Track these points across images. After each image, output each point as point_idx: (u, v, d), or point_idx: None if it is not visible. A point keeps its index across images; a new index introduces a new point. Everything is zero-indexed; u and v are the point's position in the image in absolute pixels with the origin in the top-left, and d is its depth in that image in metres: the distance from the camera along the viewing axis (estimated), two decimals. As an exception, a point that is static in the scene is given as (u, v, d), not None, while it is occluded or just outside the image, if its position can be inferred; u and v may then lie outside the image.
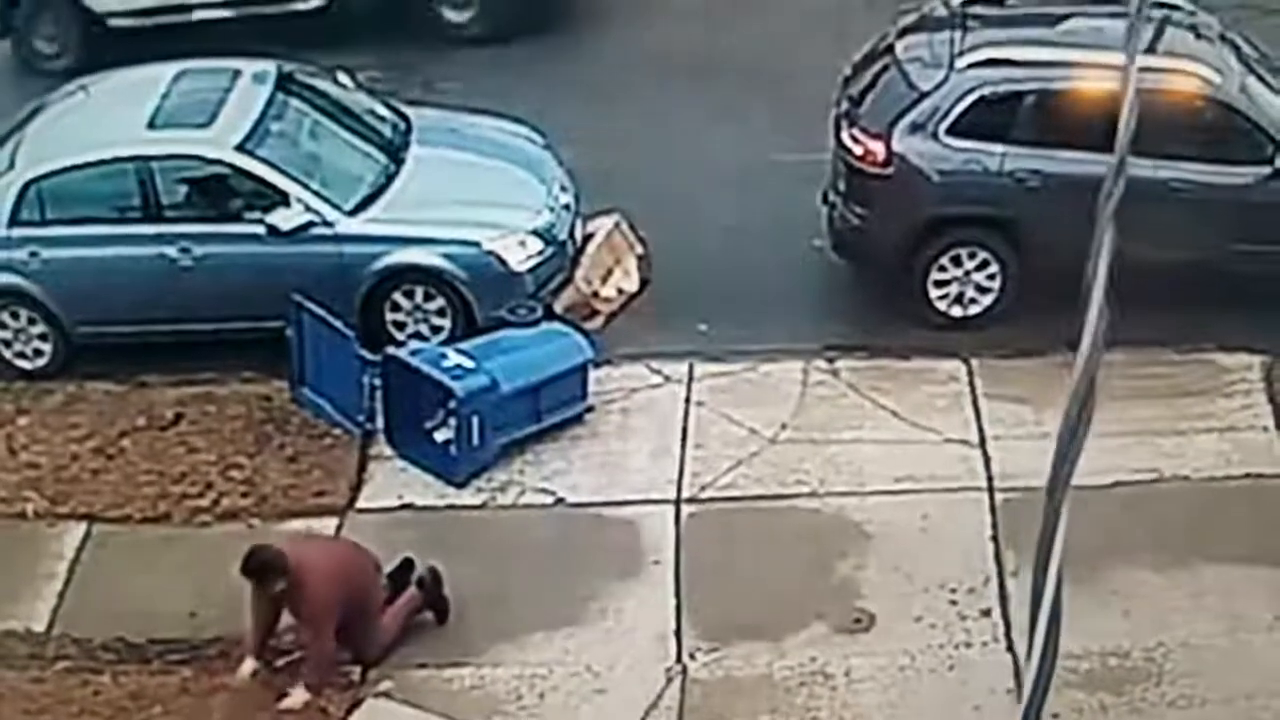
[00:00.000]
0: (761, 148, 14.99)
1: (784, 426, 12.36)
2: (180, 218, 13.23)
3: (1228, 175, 12.97)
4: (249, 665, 10.45)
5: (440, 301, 13.25)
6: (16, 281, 13.25)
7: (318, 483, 12.06)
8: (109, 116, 13.72)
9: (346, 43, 16.63)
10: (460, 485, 12.01)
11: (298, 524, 11.62)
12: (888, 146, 13.07)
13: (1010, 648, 10.45)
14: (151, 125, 13.34)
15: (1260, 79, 13.35)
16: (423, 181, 13.59)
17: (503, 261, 13.20)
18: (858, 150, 13.20)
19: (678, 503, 11.78)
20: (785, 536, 11.48)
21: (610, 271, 13.97)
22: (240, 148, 13.13)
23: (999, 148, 12.98)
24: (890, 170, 13.11)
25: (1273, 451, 11.91)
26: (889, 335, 13.28)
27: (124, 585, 11.41)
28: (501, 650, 10.74)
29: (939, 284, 13.35)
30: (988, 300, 13.39)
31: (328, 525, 11.69)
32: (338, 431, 12.48)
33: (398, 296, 13.26)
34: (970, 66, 13.07)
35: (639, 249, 14.25)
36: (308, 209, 13.05)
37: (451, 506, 11.91)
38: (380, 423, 12.45)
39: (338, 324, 12.45)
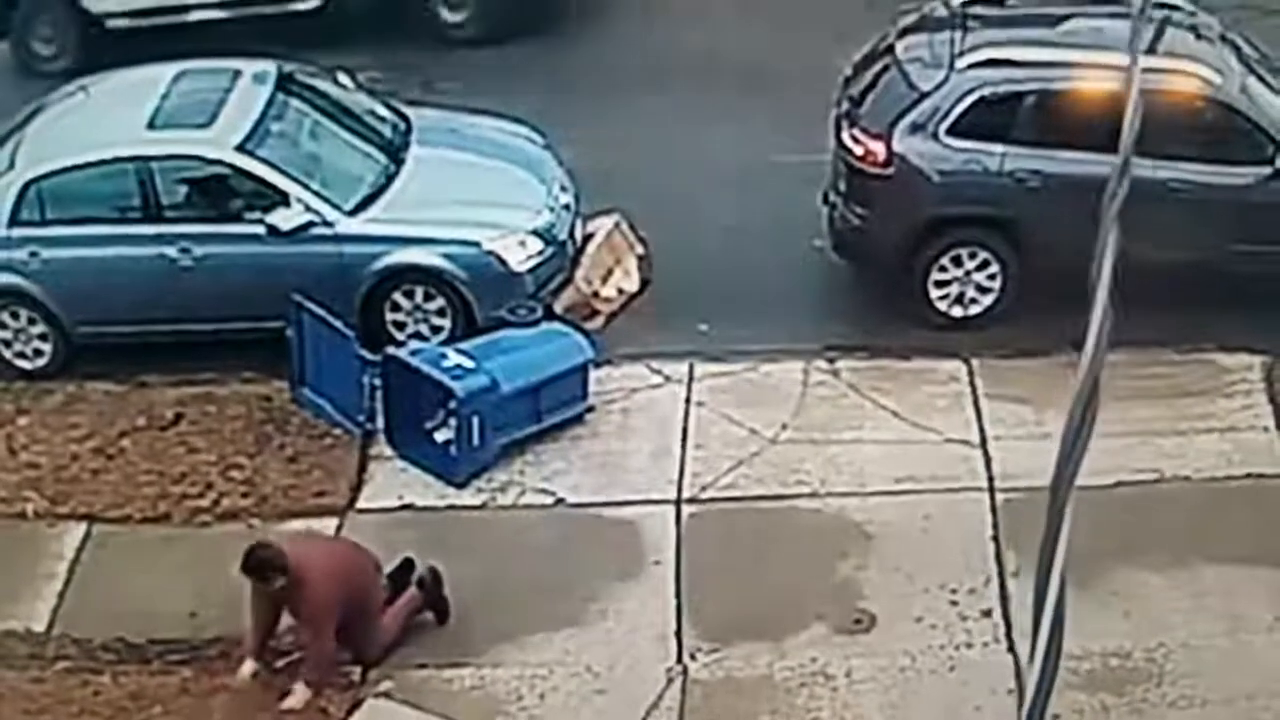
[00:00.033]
0: (762, 148, 14.98)
1: (784, 427, 12.36)
2: (180, 218, 13.23)
3: (1228, 176, 12.98)
4: (249, 666, 10.44)
5: (440, 301, 13.25)
6: (16, 281, 13.25)
7: (318, 483, 12.06)
8: (109, 117, 13.71)
9: (345, 43, 16.63)
10: (460, 485, 12.01)
11: (298, 524, 11.61)
12: (888, 147, 13.07)
13: (1011, 648, 10.45)
14: (151, 125, 13.34)
15: (1260, 79, 13.35)
16: (423, 181, 13.59)
17: (503, 261, 13.20)
18: (858, 150, 13.20)
19: (678, 503, 11.78)
20: (786, 537, 11.47)
21: (610, 271, 13.97)
22: (240, 148, 13.13)
23: (999, 148, 12.98)
24: (891, 170, 13.11)
25: (1273, 452, 11.90)
26: (890, 335, 13.28)
27: (124, 585, 11.40)
28: (502, 651, 10.73)
29: (939, 284, 13.35)
30: (988, 300, 13.39)
31: (328, 525, 11.68)
32: (338, 432, 12.48)
33: (398, 296, 13.26)
34: (970, 67, 13.07)
35: (639, 249, 14.25)
36: (308, 209, 13.05)
37: (452, 507, 11.91)
38: (380, 423, 12.45)
39: (338, 324, 12.45)
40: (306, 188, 13.13)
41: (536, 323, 12.94)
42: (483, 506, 11.90)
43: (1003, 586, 10.90)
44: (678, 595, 11.06)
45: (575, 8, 18.02)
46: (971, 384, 12.68)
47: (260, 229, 13.04)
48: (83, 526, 11.84)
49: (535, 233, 13.38)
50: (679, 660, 10.63)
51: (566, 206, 13.77)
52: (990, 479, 11.79)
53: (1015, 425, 12.19)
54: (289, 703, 10.25)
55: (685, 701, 10.35)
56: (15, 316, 13.39)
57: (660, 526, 11.60)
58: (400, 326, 13.31)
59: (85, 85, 14.25)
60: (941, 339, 13.21)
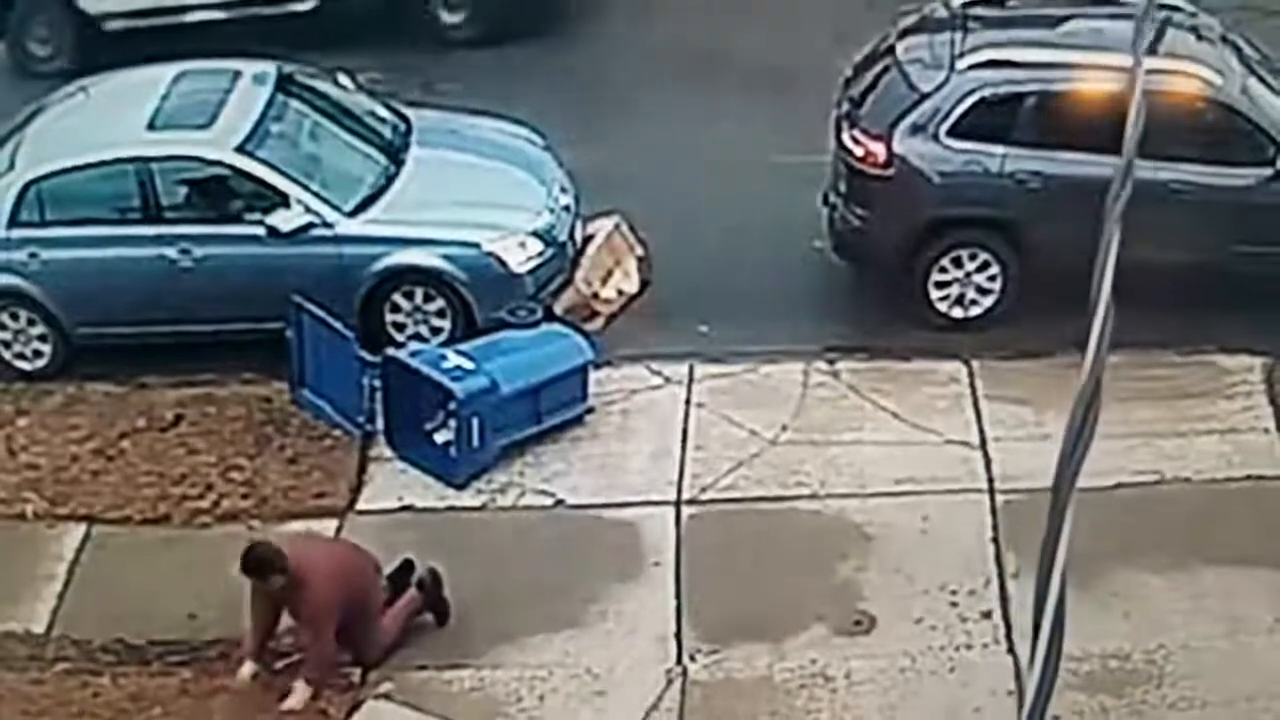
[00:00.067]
0: (762, 149, 14.98)
1: (784, 428, 12.35)
2: (180, 219, 13.23)
3: (1229, 177, 12.97)
4: (249, 668, 10.44)
5: (440, 303, 13.25)
6: (16, 282, 13.25)
7: (318, 484, 12.05)
8: (109, 118, 13.71)
9: (344, 44, 16.61)
10: (460, 487, 12.00)
11: (298, 525, 11.61)
12: (888, 148, 13.06)
13: (1011, 650, 10.45)
14: (151, 126, 13.33)
15: (1261, 80, 13.34)
16: (423, 183, 13.58)
17: (503, 263, 13.20)
18: (858, 151, 13.20)
19: (678, 504, 11.77)
20: (786, 538, 11.47)
21: (610, 273, 13.96)
22: (240, 149, 13.13)
23: (1000, 149, 12.98)
24: (891, 171, 13.10)
25: (1274, 453, 11.90)
26: (890, 336, 13.28)
27: (124, 587, 11.40)
28: (502, 652, 10.73)
29: (940, 285, 13.35)
30: (988, 302, 13.38)
31: (328, 527, 11.67)
32: (338, 433, 12.47)
33: (397, 298, 13.26)
34: (971, 68, 13.07)
35: (639, 250, 14.24)
36: (308, 210, 13.05)
37: (452, 508, 11.91)
38: (380, 424, 12.44)
39: (338, 325, 12.45)
40: (306, 189, 13.13)
41: (536, 324, 12.94)
42: (483, 508, 11.90)
43: (1003, 588, 10.90)
44: (677, 596, 11.06)
45: (575, 8, 18.02)
46: (972, 385, 12.67)
47: (260, 230, 13.04)
48: (82, 528, 11.83)
49: (535, 234, 13.38)
50: (679, 661, 10.63)
51: (566, 208, 13.77)
52: (990, 480, 11.78)
53: (1015, 427, 12.18)
54: (290, 702, 10.25)
55: (685, 702, 10.34)
56: (15, 317, 13.38)
57: (660, 528, 11.60)
58: (400, 328, 13.31)
59: (85, 86, 14.24)
60: (942, 340, 13.20)
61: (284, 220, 12.98)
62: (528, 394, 12.19)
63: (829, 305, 13.92)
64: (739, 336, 13.26)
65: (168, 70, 13.91)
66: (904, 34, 13.79)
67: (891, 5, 14.93)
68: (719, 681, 10.47)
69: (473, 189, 13.77)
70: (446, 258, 13.11)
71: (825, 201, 13.77)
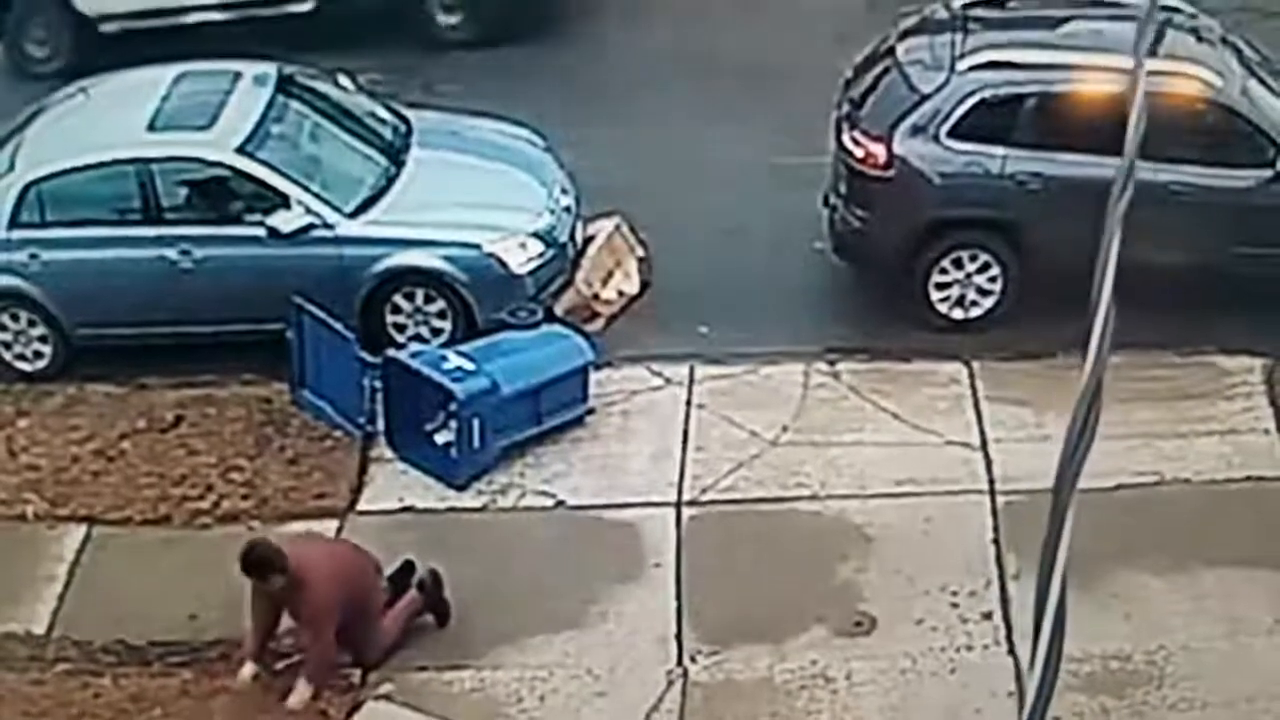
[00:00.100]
0: (762, 150, 14.98)
1: (785, 429, 12.35)
2: (181, 220, 13.24)
3: (1229, 178, 12.98)
4: (249, 669, 10.44)
5: (441, 304, 13.25)
6: (16, 284, 13.25)
7: (318, 485, 12.06)
8: (109, 119, 13.71)
9: (343, 45, 16.60)
10: (461, 488, 12.01)
11: (298, 526, 11.60)
12: (889, 149, 13.07)
13: (1012, 651, 10.45)
14: (152, 127, 13.34)
15: (1261, 82, 13.35)
16: (423, 184, 13.59)
17: (503, 264, 13.20)
18: (859, 153, 13.20)
19: (678, 505, 11.77)
20: (786, 539, 11.47)
21: (611, 274, 13.97)
22: (241, 150, 13.13)
23: (1000, 150, 12.98)
24: (891, 173, 13.11)
25: (1274, 454, 11.90)
26: (890, 338, 13.28)
27: (124, 587, 11.40)
28: (502, 653, 10.73)
29: (940, 286, 13.35)
30: (989, 303, 13.39)
31: (328, 527, 11.68)
32: (338, 434, 12.47)
33: (398, 299, 13.26)
34: (971, 69, 13.07)
35: (639, 251, 14.25)
36: (308, 211, 13.05)
37: (452, 509, 11.91)
38: (381, 425, 12.44)
39: (338, 326, 12.45)
40: (307, 190, 13.13)
41: (537, 325, 12.94)
42: (483, 509, 11.90)
43: (1003, 589, 10.90)
44: (678, 597, 11.06)
45: (575, 10, 18.02)
46: (972, 386, 12.68)
47: (260, 231, 13.04)
48: (83, 528, 11.83)
49: (536, 235, 13.38)
50: (679, 662, 10.63)
51: (567, 209, 13.77)
52: (991, 481, 11.79)
53: (1016, 428, 12.19)
54: (291, 700, 10.25)
55: (685, 704, 10.35)
56: (15, 318, 13.39)
57: (660, 529, 11.60)
58: (400, 329, 13.31)
59: (85, 87, 14.24)
60: (942, 341, 13.21)
61: (284, 221, 12.98)
62: (528, 395, 12.19)
63: (829, 306, 13.93)
64: (739, 338, 13.27)
65: (168, 71, 13.92)
66: (904, 35, 13.80)
67: (892, 6, 14.94)
68: (719, 683, 10.48)
69: (473, 190, 13.77)
70: (447, 259, 13.11)
71: (825, 203, 13.78)
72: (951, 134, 13.02)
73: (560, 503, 11.89)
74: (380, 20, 17.26)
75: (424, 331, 13.29)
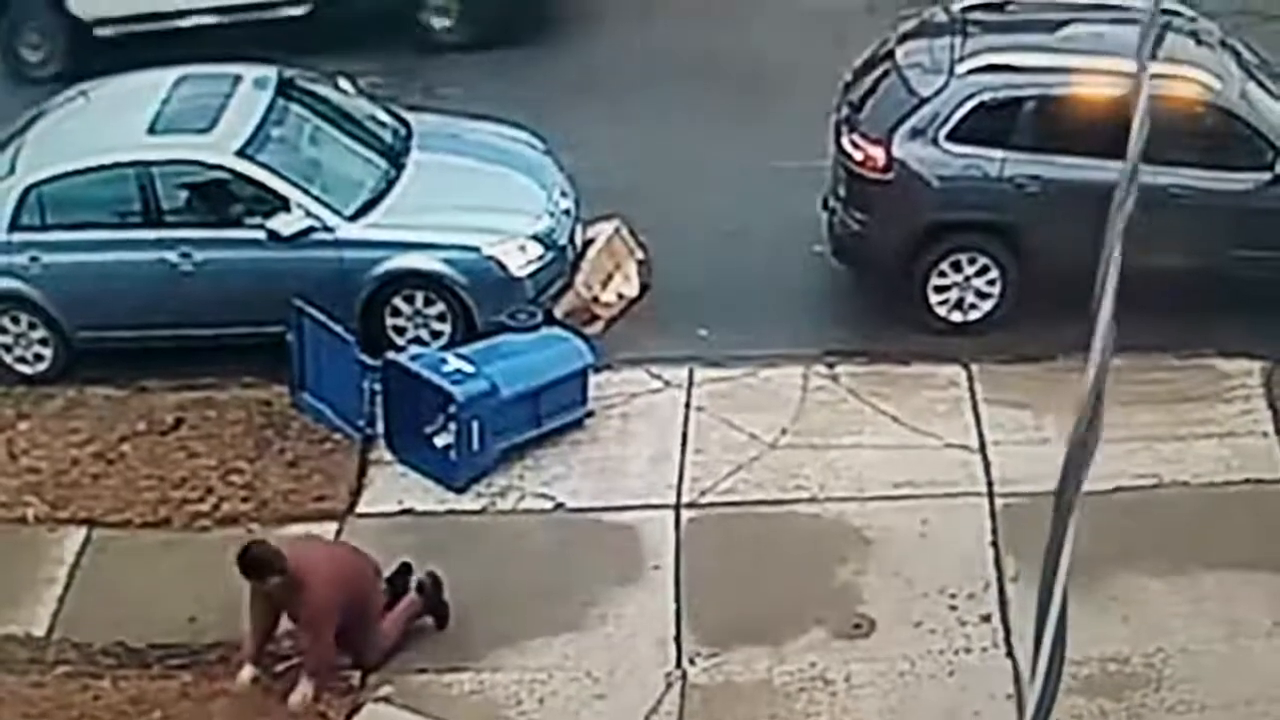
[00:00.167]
0: (761, 153, 14.98)
1: (784, 432, 12.36)
2: (181, 223, 13.25)
3: (1228, 181, 12.99)
4: (248, 672, 10.44)
5: (440, 306, 13.26)
6: (17, 286, 13.26)
7: (318, 487, 12.06)
8: (110, 122, 13.72)
9: (341, 48, 16.59)
10: (460, 490, 12.01)
11: (298, 529, 11.60)
12: (888, 152, 13.08)
13: (1010, 653, 10.45)
14: (152, 130, 13.35)
15: (1260, 85, 13.36)
16: (423, 187, 13.60)
17: (503, 266, 13.21)
18: (858, 156, 13.21)
19: (677, 508, 11.78)
20: (785, 542, 11.48)
21: (610, 276, 13.98)
22: (241, 153, 13.14)
23: (999, 153, 12.99)
24: (890, 176, 13.12)
25: (1272, 457, 11.91)
26: (889, 340, 13.29)
27: (124, 590, 11.41)
28: (501, 655, 10.74)
29: (939, 289, 13.36)
30: (988, 305, 13.40)
31: (328, 530, 11.68)
32: (338, 436, 12.48)
33: (398, 301, 13.27)
34: (970, 72, 13.08)
35: (639, 254, 14.26)
36: (308, 214, 13.06)
37: (451, 511, 11.92)
38: (380, 428, 12.45)
39: (338, 329, 12.46)
40: (307, 193, 13.15)
41: (536, 328, 12.95)
42: (482, 511, 11.91)
43: (1002, 591, 10.90)
44: (677, 600, 11.07)
45: (573, 12, 18.03)
46: (971, 389, 12.68)
47: (261, 234, 13.05)
48: (83, 531, 11.84)
49: (535, 238, 13.39)
50: (678, 665, 10.63)
51: (566, 211, 13.78)
52: (989, 484, 11.79)
53: (1015, 430, 12.19)
54: (293, 699, 10.26)
55: (684, 706, 10.35)
56: (16, 321, 13.40)
57: (659, 531, 11.60)
58: (400, 331, 13.32)
59: (85, 90, 14.25)
60: (941, 344, 13.21)
61: (284, 224, 12.99)
62: (528, 397, 12.20)
63: (828, 309, 13.93)
64: (739, 340, 13.27)
65: (168, 74, 13.93)
66: (903, 38, 13.81)
67: (891, 10, 14.96)
68: (718, 685, 10.48)
69: (473, 193, 13.78)
70: (447, 261, 13.12)
71: (825, 206, 13.79)
72: (950, 137, 13.03)
73: (559, 505, 11.90)
74: (375, 24, 17.26)
75: (424, 334, 13.30)
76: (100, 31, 17.25)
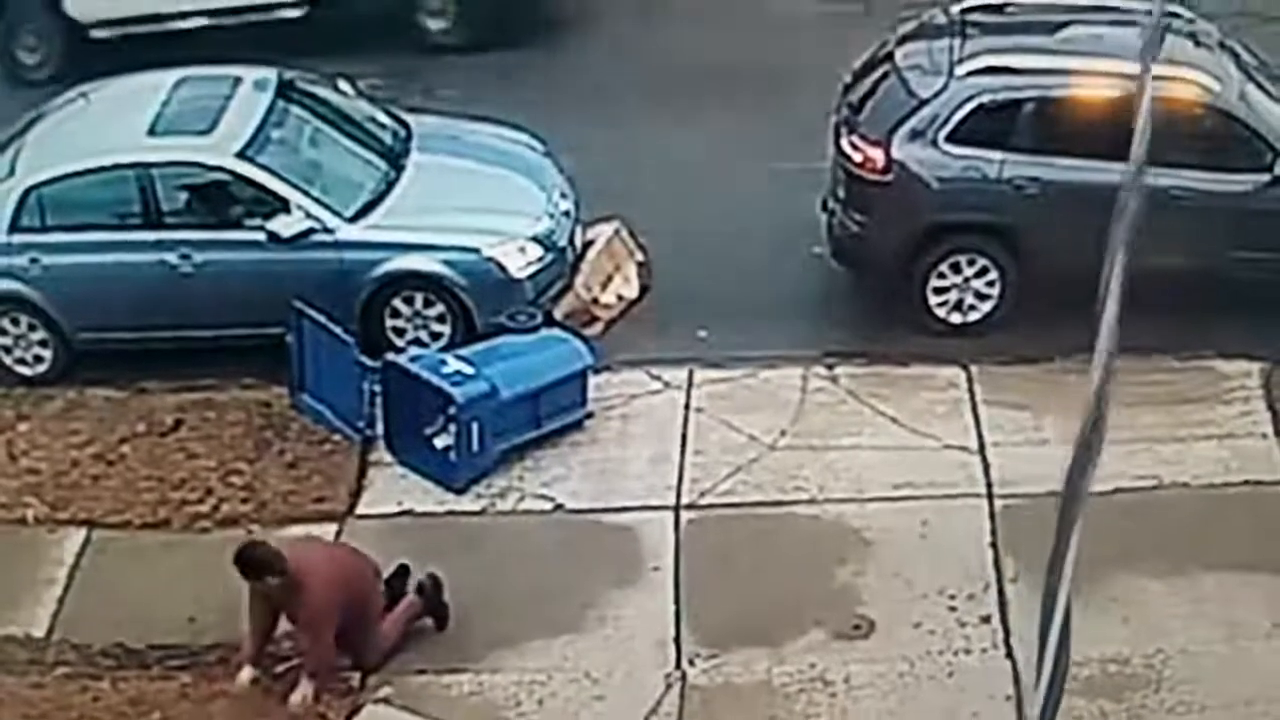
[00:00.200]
0: (761, 154, 14.99)
1: (783, 433, 12.37)
2: (181, 224, 13.25)
3: (1227, 183, 12.99)
4: (247, 673, 10.45)
5: (440, 308, 13.26)
6: (17, 288, 13.27)
7: (317, 489, 12.07)
8: (110, 123, 13.73)
9: (341, 50, 16.59)
10: (460, 491, 12.02)
11: (297, 530, 11.60)
12: (887, 154, 13.08)
13: (1010, 655, 10.46)
14: (152, 132, 13.35)
15: (1259, 86, 13.37)
16: (423, 188, 13.60)
17: (502, 268, 13.22)
18: (857, 157, 13.22)
19: (677, 509, 11.78)
20: (784, 543, 11.48)
21: (610, 278, 13.99)
22: (241, 155, 13.15)
23: (998, 155, 13.00)
24: (890, 177, 13.13)
25: (1271, 458, 11.91)
26: (888, 342, 13.30)
27: (124, 591, 11.41)
28: (500, 656, 10.74)
29: (938, 291, 13.36)
30: (987, 307, 13.40)
31: (327, 531, 11.68)
32: (337, 437, 12.49)
33: (398, 303, 13.28)
34: (970, 74, 13.09)
35: (639, 256, 14.27)
36: (308, 216, 13.07)
37: (451, 513, 11.92)
38: (380, 429, 12.46)
39: (338, 330, 12.47)
40: (307, 194, 13.15)
41: (536, 329, 12.96)
42: (482, 512, 11.91)
43: (1001, 593, 10.91)
44: (676, 601, 11.07)
45: (572, 14, 18.03)
46: (970, 390, 12.69)
47: (260, 235, 13.06)
48: (83, 532, 11.84)
49: (535, 239, 13.40)
50: (677, 666, 10.64)
51: (566, 213, 13.79)
52: (989, 485, 11.80)
53: (1014, 431, 12.20)
54: (293, 699, 10.27)
55: (684, 707, 10.35)
56: (16, 323, 13.40)
57: (659, 532, 11.61)
58: (400, 333, 13.33)
59: (86, 92, 14.26)
60: (940, 345, 13.22)
61: (284, 226, 13.00)
62: (527, 399, 12.21)
63: (828, 310, 13.94)
64: (738, 341, 13.28)
65: (168, 76, 13.94)
66: (903, 40, 13.82)
67: (891, 12, 14.96)
68: (718, 686, 10.48)
69: (473, 194, 13.79)
70: (446, 263, 13.13)
71: (824, 207, 13.80)
72: (950, 139, 13.04)
73: (559, 506, 11.90)
74: (371, 26, 17.26)
75: (423, 335, 13.30)
76: (97, 34, 17.25)
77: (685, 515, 11.73)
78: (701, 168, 15.10)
